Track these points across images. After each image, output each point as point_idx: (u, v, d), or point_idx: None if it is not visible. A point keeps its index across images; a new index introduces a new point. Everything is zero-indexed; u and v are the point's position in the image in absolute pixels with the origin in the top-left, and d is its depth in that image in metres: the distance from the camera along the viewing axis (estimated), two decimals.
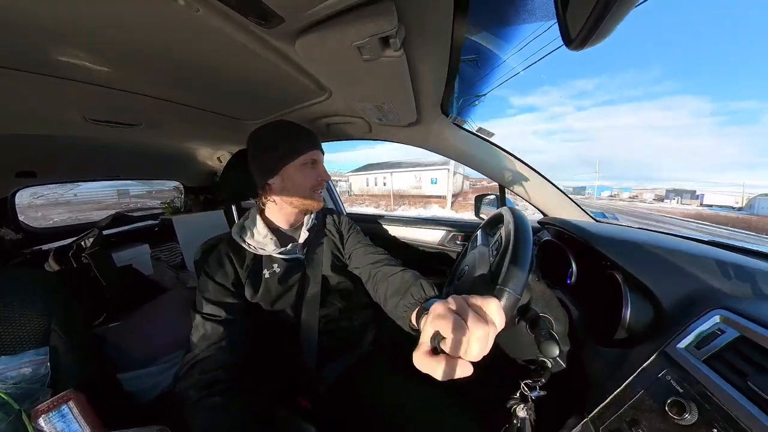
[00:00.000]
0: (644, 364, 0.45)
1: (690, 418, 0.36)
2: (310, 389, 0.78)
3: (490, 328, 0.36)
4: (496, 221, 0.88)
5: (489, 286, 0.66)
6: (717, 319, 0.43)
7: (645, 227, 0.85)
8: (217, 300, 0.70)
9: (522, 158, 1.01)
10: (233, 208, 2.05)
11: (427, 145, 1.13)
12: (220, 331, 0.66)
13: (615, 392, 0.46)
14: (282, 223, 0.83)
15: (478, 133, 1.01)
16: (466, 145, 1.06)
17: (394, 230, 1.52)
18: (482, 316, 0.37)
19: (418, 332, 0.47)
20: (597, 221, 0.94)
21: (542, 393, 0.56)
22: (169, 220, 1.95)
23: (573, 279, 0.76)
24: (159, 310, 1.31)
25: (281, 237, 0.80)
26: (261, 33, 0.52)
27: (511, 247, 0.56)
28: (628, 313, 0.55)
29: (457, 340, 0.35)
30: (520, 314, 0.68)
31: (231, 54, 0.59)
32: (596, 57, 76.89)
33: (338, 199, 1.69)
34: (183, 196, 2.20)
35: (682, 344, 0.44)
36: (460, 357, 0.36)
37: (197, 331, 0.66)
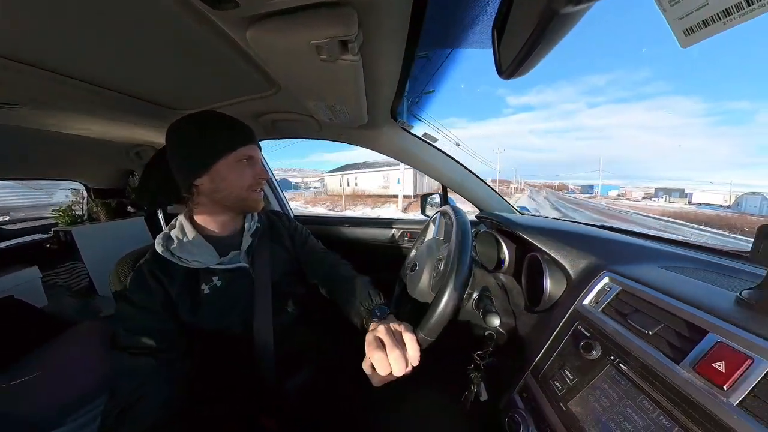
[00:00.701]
0: (563, 321, 0.57)
1: (596, 353, 0.48)
2: (272, 407, 0.73)
3: (406, 359, 0.50)
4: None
5: (432, 288, 0.73)
6: (606, 280, 0.57)
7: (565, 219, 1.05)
8: (143, 329, 0.60)
9: (461, 162, 1.14)
10: (159, 214, 1.78)
11: (377, 147, 1.18)
12: (152, 365, 0.57)
13: (545, 346, 0.57)
14: (218, 229, 0.75)
15: (424, 138, 1.11)
16: (412, 148, 1.14)
17: (347, 230, 1.53)
18: (401, 348, 0.51)
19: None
20: (521, 214, 1.12)
21: (492, 360, 0.65)
22: (68, 233, 1.57)
23: (506, 262, 0.89)
24: (63, 352, 1.04)
25: (219, 245, 0.72)
26: (207, 13, 0.48)
27: (440, 289, 0.56)
28: (548, 285, 0.68)
29: (380, 364, 0.50)
30: (467, 297, 0.78)
31: (165, 29, 0.52)
32: (594, 58, 75.79)
33: (285, 201, 1.63)
34: (86, 201, 1.80)
35: (586, 301, 0.56)
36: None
37: (122, 371, 0.55)
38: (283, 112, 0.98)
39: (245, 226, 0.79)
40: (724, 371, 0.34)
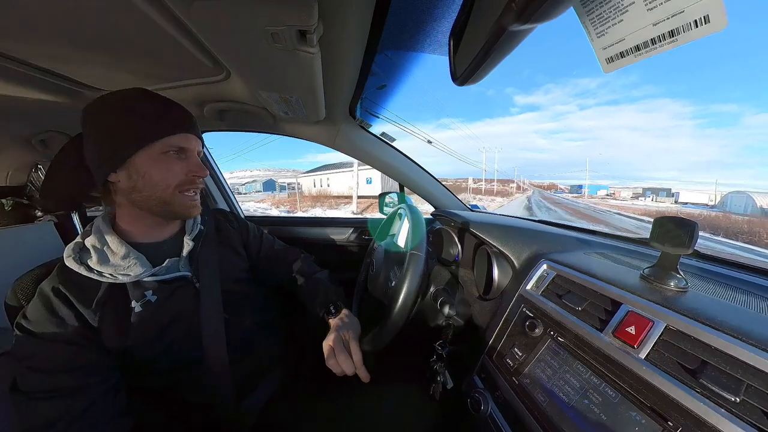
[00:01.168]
0: (510, 305, 0.64)
1: (539, 330, 0.54)
2: (231, 430, 0.66)
3: (353, 365, 0.58)
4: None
5: (385, 295, 0.77)
6: (545, 267, 0.65)
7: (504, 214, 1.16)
8: (55, 366, 0.49)
9: (417, 161, 1.19)
10: (74, 218, 1.49)
11: (334, 145, 1.17)
12: (74, 410, 0.47)
13: (497, 329, 0.62)
14: (148, 234, 0.64)
15: (382, 137, 1.12)
16: (370, 147, 1.15)
17: (304, 231, 1.47)
18: (347, 354, 0.59)
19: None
20: (472, 211, 1.21)
21: (452, 347, 0.69)
22: None
23: (460, 256, 0.96)
24: None
25: (151, 252, 0.62)
26: None
27: (387, 312, 0.60)
28: (496, 274, 0.75)
29: (333, 368, 0.59)
30: (425, 290, 0.81)
31: None
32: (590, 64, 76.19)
33: (234, 201, 1.51)
34: None
35: (528, 287, 0.63)
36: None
37: (29, 421, 0.45)
38: (233, 102, 0.90)
39: (186, 227, 0.70)
40: (634, 333, 0.42)
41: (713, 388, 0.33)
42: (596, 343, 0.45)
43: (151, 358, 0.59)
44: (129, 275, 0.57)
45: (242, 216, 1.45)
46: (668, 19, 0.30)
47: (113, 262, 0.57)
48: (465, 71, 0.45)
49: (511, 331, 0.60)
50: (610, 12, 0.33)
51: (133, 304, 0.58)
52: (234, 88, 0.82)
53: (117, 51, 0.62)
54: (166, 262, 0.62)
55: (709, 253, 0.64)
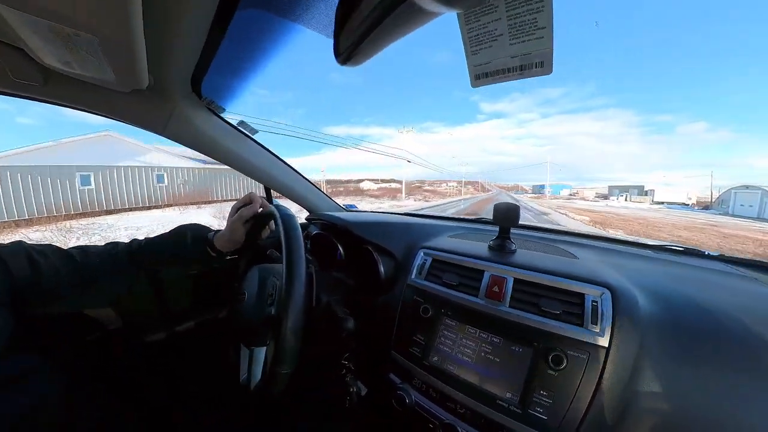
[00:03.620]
0: (402, 297, 0.67)
1: (431, 312, 0.60)
2: None
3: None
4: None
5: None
6: (422, 254, 0.74)
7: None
8: None
9: (285, 160, 1.07)
10: None
11: (165, 131, 0.85)
12: None
13: (396, 323, 0.64)
14: None
15: (240, 128, 0.93)
16: (222, 138, 0.92)
17: None
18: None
19: None
20: (348, 211, 1.22)
21: (358, 355, 0.65)
22: None
23: (342, 258, 0.93)
24: None
25: None
26: None
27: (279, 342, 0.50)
28: (381, 270, 0.79)
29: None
30: (314, 304, 0.73)
31: None
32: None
33: None
34: None
35: (413, 275, 0.70)
36: None
37: None
38: None
39: None
40: (498, 291, 0.54)
41: (547, 309, 0.48)
42: (476, 307, 0.55)
43: None
44: None
45: None
46: (521, 56, 0.41)
47: None
48: (347, 49, 0.41)
49: (409, 320, 0.63)
50: (485, 36, 0.42)
51: None
52: None
53: None
54: None
55: (527, 224, 0.94)
